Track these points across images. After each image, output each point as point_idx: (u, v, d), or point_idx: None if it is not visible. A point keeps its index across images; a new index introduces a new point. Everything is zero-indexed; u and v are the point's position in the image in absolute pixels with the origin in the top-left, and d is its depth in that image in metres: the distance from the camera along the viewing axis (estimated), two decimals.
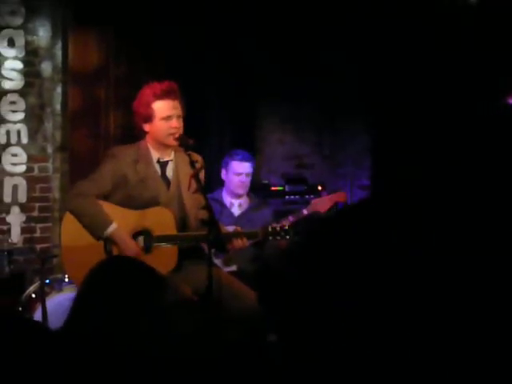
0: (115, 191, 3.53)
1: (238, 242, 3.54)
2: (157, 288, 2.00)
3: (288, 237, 3.63)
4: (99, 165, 3.60)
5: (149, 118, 3.49)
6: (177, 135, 3.45)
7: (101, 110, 5.21)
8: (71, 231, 3.50)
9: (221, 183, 4.59)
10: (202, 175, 3.50)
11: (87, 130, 5.17)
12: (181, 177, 3.57)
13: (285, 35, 5.73)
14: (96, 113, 5.20)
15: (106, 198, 3.53)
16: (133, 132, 3.72)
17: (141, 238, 3.53)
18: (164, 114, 3.46)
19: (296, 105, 6.21)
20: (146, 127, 3.53)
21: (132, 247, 3.48)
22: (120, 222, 3.49)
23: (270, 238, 3.64)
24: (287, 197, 5.57)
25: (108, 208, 3.50)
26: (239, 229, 3.65)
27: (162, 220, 3.49)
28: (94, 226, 3.47)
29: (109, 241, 3.49)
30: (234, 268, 4.28)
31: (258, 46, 5.70)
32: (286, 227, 3.64)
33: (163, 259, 3.42)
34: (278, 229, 3.62)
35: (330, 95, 6.13)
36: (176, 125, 3.46)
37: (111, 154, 3.61)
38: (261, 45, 5.71)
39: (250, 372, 3.26)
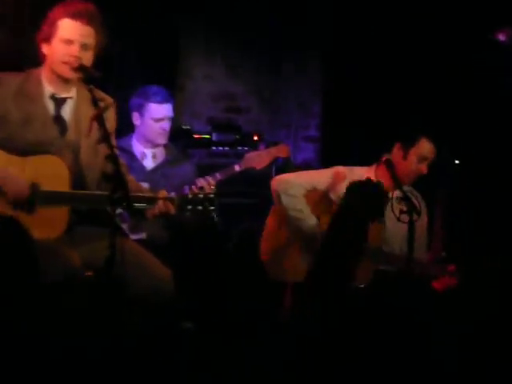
0: None
1: (160, 209, 3.45)
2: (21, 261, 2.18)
3: (213, 207, 3.52)
4: None
5: (49, 37, 3.41)
6: (74, 65, 3.34)
7: None
8: None
9: (130, 128, 4.41)
10: (111, 119, 3.49)
11: None
12: (82, 120, 3.47)
13: None
14: None
15: None
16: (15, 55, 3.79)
17: None
18: (66, 35, 3.38)
19: (229, 31, 6.12)
20: (45, 48, 3.44)
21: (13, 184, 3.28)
22: None
23: (189, 207, 3.51)
24: (214, 148, 5.46)
25: None
26: (165, 193, 3.51)
27: (52, 172, 3.37)
28: None
29: None
30: (142, 236, 4.14)
31: None
32: (212, 195, 3.52)
33: (50, 221, 3.32)
34: (200, 197, 3.52)
35: (273, 21, 6.07)
36: (76, 53, 3.36)
37: None
38: None
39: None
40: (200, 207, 3.52)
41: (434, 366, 3.50)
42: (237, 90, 6.25)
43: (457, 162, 4.41)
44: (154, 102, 4.29)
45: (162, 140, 4.37)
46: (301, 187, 4.20)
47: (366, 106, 5.43)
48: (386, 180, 4.07)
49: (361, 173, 4.22)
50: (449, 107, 5.31)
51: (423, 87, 5.41)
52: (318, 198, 4.23)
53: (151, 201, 3.46)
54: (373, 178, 4.12)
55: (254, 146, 5.35)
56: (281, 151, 4.42)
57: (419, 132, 4.21)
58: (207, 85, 6.18)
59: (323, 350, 3.55)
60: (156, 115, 4.30)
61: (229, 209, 4.59)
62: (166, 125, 4.34)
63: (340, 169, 4.29)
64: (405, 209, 3.50)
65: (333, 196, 4.20)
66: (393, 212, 3.53)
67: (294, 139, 6.30)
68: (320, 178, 4.30)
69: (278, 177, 4.28)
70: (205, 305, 4.24)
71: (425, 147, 4.16)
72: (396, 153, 4.20)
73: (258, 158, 4.31)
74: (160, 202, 3.45)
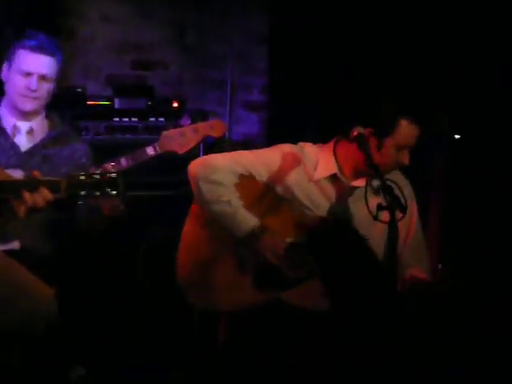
0: None
1: (33, 198, 3.13)
2: None
3: (116, 192, 3.16)
4: None
5: None
6: None
7: None
8: None
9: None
10: None
11: None
12: None
13: None
14: None
15: None
16: None
17: None
18: None
19: None
20: None
21: None
22: None
23: (83, 192, 3.16)
24: (117, 119, 4.83)
25: None
26: (37, 173, 3.18)
27: None
28: None
29: None
30: (13, 246, 3.67)
31: None
32: (114, 175, 3.16)
33: None
34: (97, 178, 3.16)
35: None
36: None
37: None
38: None
39: None
40: (98, 193, 3.12)
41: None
42: (148, 37, 5.53)
43: (457, 136, 3.89)
44: (25, 48, 3.68)
45: (28, 105, 3.73)
46: (230, 172, 3.57)
47: (331, 60, 4.97)
48: (354, 164, 3.51)
49: (314, 154, 3.60)
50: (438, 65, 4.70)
51: (400, 38, 4.84)
52: (262, 190, 3.61)
53: (17, 186, 3.11)
54: (331, 161, 3.57)
55: (173, 117, 4.78)
56: (213, 129, 3.77)
57: (397, 114, 3.53)
58: (107, 29, 5.46)
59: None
60: (23, 67, 3.69)
61: (137, 206, 4.16)
62: (35, 84, 3.70)
63: (286, 148, 3.63)
64: (384, 203, 2.96)
65: (281, 190, 3.57)
66: (367, 208, 2.96)
67: (229, 105, 5.66)
68: (262, 161, 3.64)
69: (198, 159, 3.70)
70: (103, 337, 3.93)
71: (405, 133, 3.47)
72: (367, 138, 3.54)
73: (180, 139, 3.70)
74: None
